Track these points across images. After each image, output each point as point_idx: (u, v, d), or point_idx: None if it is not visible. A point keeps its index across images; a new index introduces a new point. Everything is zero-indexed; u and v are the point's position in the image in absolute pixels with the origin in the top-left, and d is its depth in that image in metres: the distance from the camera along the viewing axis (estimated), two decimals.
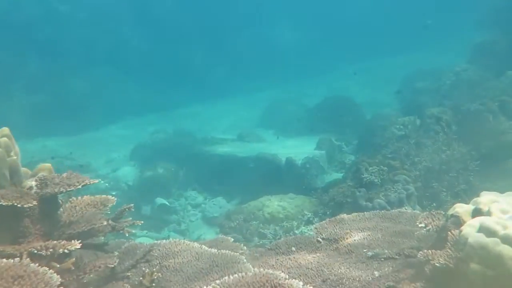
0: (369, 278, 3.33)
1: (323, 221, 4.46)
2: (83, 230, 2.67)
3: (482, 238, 2.65)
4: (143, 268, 2.63)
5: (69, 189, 2.67)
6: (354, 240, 3.98)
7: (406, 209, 7.16)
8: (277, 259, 3.70)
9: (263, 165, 11.22)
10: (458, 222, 2.95)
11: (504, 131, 8.64)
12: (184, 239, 10.27)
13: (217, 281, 1.96)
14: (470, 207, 3.00)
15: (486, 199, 2.97)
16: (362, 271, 3.48)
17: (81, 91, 16.51)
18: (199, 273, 2.91)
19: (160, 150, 12.76)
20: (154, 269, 2.64)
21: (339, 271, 3.46)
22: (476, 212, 2.92)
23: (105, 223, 2.81)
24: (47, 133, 15.13)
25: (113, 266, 2.47)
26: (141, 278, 2.43)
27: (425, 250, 2.96)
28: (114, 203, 2.89)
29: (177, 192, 11.66)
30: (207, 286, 2.08)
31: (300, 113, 14.97)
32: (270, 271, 2.13)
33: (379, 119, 11.89)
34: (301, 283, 2.09)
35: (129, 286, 2.26)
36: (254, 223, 7.99)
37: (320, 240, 4.04)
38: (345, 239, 4.03)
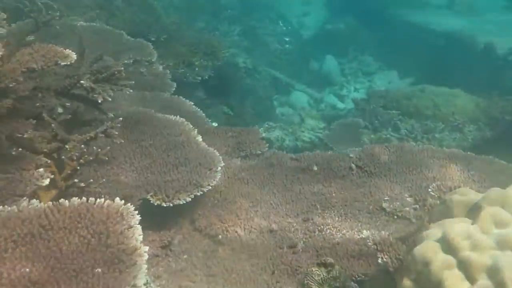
0: (355, 236, 2.80)
1: (379, 144, 3.72)
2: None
3: (432, 251, 1.87)
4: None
5: None
6: (387, 181, 3.26)
7: None
8: (285, 175, 3.38)
9: (454, 45, 9.35)
10: (446, 213, 2.07)
11: None
12: (336, 105, 10.02)
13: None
14: (475, 198, 2.03)
15: (500, 194, 1.94)
16: (356, 223, 2.92)
17: None
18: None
19: (352, 2, 11.71)
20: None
21: (328, 218, 2.98)
22: (473, 211, 1.98)
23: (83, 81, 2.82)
24: None
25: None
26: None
27: (384, 234, 2.24)
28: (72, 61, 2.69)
29: (353, 53, 10.96)
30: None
31: None
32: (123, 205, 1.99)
33: None
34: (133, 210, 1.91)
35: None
36: (393, 112, 7.13)
37: (354, 167, 3.45)
38: (381, 176, 3.33)
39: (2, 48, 2.35)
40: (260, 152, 3.62)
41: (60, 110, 3.12)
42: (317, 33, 11.43)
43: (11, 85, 2.15)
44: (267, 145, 3.72)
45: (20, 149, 2.51)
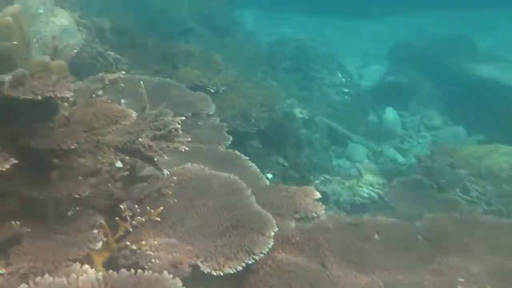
0: None
1: (448, 214, 3.39)
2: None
3: None
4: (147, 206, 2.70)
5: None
6: (460, 259, 2.93)
7: None
8: (343, 243, 3.14)
9: None
10: None
11: None
12: (397, 159, 9.61)
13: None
14: None
15: None
16: None
17: None
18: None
19: (416, 55, 11.48)
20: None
21: None
22: None
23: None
24: None
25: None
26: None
27: None
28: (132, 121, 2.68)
29: (416, 107, 10.60)
30: None
31: None
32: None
33: None
34: None
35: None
36: (462, 171, 6.67)
37: (420, 238, 3.15)
38: (453, 252, 3.00)
39: (68, 109, 2.41)
40: (315, 214, 3.42)
41: (119, 164, 3.14)
42: (377, 85, 11.23)
43: (72, 147, 2.18)
44: (324, 207, 3.50)
45: (77, 207, 2.51)
